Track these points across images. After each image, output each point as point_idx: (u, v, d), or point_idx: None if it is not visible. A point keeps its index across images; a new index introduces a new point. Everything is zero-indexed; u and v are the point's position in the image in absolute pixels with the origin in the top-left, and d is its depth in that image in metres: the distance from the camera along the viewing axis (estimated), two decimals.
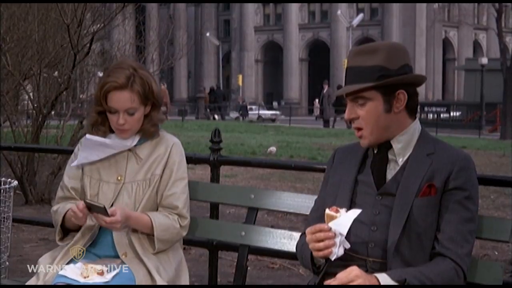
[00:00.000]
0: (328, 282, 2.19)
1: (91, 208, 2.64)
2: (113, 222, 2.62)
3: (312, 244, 2.25)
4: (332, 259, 2.26)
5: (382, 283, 2.15)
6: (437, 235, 2.29)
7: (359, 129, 2.38)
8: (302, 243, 2.47)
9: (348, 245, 2.27)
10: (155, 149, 2.85)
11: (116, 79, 2.72)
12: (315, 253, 2.28)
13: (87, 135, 2.85)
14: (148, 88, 2.76)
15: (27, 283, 2.71)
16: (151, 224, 2.75)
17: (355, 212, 2.26)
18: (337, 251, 2.24)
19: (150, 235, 2.77)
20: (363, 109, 2.35)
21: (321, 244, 2.23)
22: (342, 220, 2.24)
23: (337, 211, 2.26)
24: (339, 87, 32.55)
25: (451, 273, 2.24)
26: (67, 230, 2.86)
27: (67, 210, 2.78)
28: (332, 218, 2.25)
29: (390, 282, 2.16)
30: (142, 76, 2.75)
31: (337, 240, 2.23)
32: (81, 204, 2.65)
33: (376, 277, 2.17)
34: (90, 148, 2.83)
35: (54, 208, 2.90)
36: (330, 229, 2.23)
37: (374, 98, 2.33)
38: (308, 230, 2.28)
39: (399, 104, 2.34)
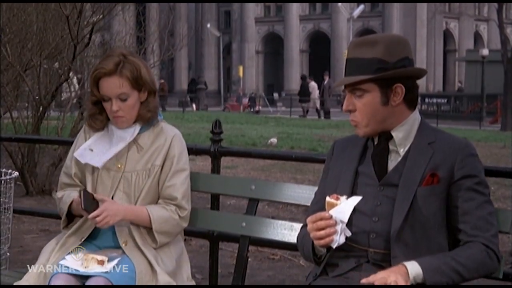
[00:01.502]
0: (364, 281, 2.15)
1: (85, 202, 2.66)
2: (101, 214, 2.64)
3: (313, 233, 2.25)
4: (334, 247, 2.26)
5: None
6: (459, 226, 2.29)
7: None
8: (303, 235, 2.47)
9: (349, 233, 2.26)
10: (155, 140, 2.86)
11: (105, 66, 2.76)
12: (316, 242, 2.28)
13: (76, 154, 2.85)
14: (137, 73, 2.77)
15: (28, 274, 2.71)
16: (149, 217, 2.75)
17: (355, 199, 2.26)
18: (339, 239, 2.24)
19: (151, 229, 2.77)
20: (360, 101, 2.35)
21: (322, 232, 2.23)
22: (343, 207, 2.24)
23: (337, 199, 2.26)
24: (301, 78, 32.43)
25: (482, 255, 2.25)
26: (72, 216, 2.87)
27: (73, 199, 2.80)
28: (332, 205, 2.25)
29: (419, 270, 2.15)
30: (131, 62, 2.78)
31: (338, 227, 2.23)
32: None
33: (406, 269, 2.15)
34: (96, 155, 2.84)
35: (59, 194, 2.92)
36: (331, 217, 2.23)
37: (371, 90, 2.33)
38: (309, 219, 2.28)
39: (396, 98, 2.34)
